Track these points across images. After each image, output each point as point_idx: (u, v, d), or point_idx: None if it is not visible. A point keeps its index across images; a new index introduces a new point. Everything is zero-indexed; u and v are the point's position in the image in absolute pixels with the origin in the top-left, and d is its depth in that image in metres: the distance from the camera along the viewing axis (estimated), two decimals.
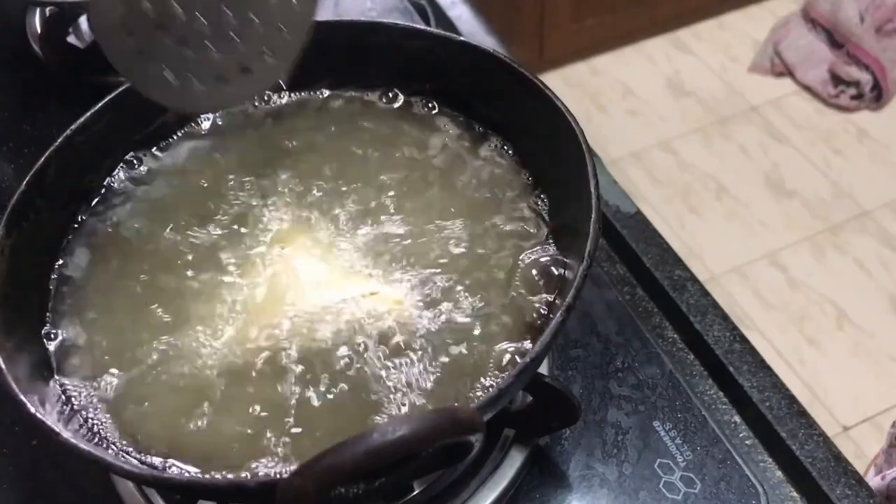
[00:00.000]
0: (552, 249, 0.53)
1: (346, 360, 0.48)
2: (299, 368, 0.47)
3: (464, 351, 0.48)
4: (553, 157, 0.54)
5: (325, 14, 0.89)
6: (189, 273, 0.52)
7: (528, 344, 0.48)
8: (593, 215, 0.47)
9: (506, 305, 0.50)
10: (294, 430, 0.45)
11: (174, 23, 0.50)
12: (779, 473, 0.58)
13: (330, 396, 0.46)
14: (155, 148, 0.60)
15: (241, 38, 0.52)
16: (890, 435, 0.85)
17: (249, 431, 0.45)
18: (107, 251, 0.54)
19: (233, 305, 0.51)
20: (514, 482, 0.55)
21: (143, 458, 0.45)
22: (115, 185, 0.58)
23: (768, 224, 1.88)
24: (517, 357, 0.47)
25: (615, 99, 2.17)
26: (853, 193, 1.92)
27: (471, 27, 0.91)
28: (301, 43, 0.53)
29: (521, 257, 0.52)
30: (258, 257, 0.53)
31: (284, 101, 0.62)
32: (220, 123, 0.61)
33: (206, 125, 0.61)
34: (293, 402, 0.46)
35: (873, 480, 0.77)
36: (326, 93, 0.63)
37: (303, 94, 0.62)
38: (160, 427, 0.46)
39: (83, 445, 0.40)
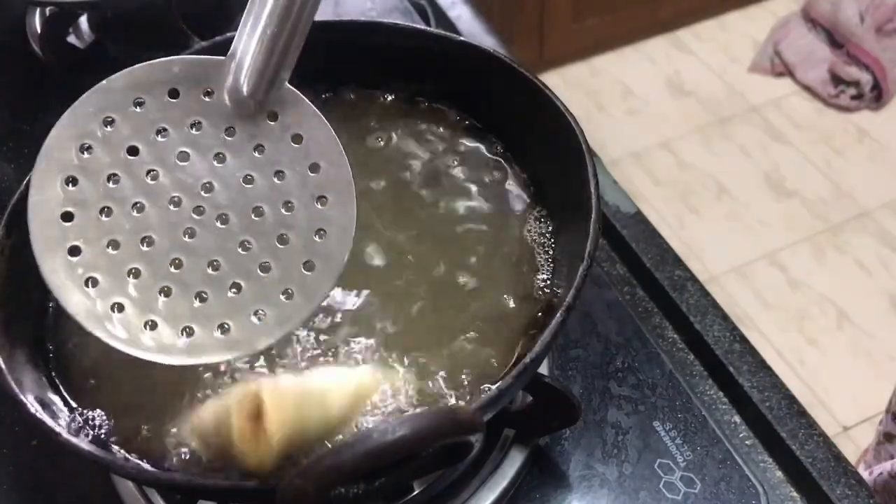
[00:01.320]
0: (552, 249, 0.53)
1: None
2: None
3: (463, 348, 0.48)
4: (553, 157, 0.54)
5: (325, 14, 0.89)
6: None
7: (527, 344, 0.48)
8: (593, 215, 0.47)
9: (505, 304, 0.50)
10: None
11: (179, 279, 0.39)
12: (779, 473, 0.58)
13: None
14: None
15: (272, 264, 0.40)
16: (878, 432, 0.85)
17: None
18: None
19: None
20: (514, 482, 0.55)
21: (143, 457, 0.45)
22: None
23: (768, 224, 1.88)
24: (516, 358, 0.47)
25: (615, 99, 2.17)
26: (853, 193, 1.92)
27: (471, 27, 0.91)
28: (325, 294, 0.40)
29: (520, 257, 0.52)
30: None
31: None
32: None
33: None
34: None
35: (862, 475, 0.77)
36: (326, 93, 0.63)
37: (302, 93, 0.62)
38: (160, 426, 0.46)
39: (83, 445, 0.40)
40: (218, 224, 0.40)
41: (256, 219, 0.40)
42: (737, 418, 0.61)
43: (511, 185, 0.57)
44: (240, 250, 0.40)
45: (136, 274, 0.40)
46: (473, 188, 0.57)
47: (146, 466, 0.44)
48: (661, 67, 2.24)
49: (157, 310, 0.40)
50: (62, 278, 0.40)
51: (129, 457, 0.45)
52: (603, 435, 0.58)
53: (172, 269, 0.40)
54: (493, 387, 0.44)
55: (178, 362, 0.40)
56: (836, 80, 2.10)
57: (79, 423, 0.46)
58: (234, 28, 0.42)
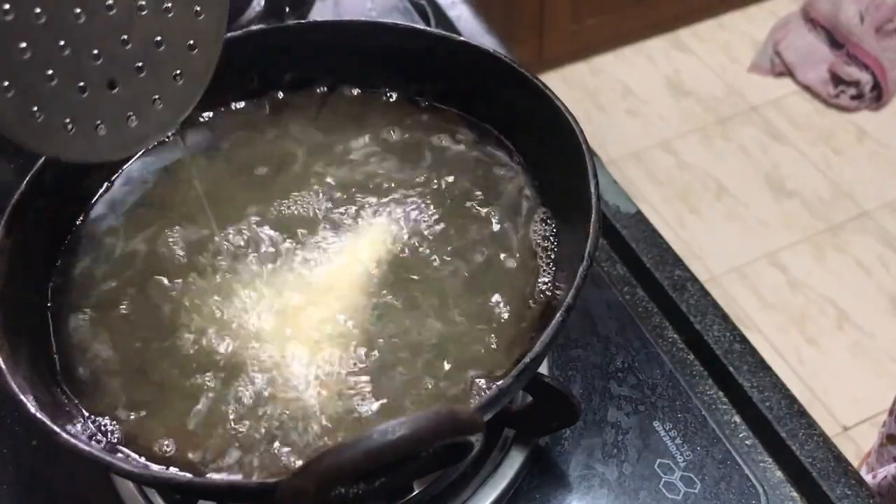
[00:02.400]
0: (552, 249, 0.53)
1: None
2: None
3: (464, 348, 0.48)
4: (553, 157, 0.54)
5: (325, 14, 0.89)
6: (189, 274, 0.52)
7: (527, 344, 0.48)
8: (593, 215, 0.47)
9: (505, 304, 0.50)
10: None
11: (56, 62, 0.41)
12: (779, 473, 0.58)
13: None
14: (155, 147, 0.60)
15: (146, 67, 0.44)
16: (881, 434, 0.85)
17: (243, 430, 0.45)
18: (107, 251, 0.54)
19: (232, 307, 0.51)
20: (514, 482, 0.55)
21: (142, 457, 0.45)
22: (116, 185, 0.58)
23: (768, 224, 1.88)
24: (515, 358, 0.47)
25: (615, 99, 2.17)
26: (853, 193, 1.92)
27: (471, 27, 0.91)
28: (215, 58, 0.46)
29: (520, 257, 0.52)
30: (255, 260, 0.53)
31: (285, 101, 0.62)
32: (218, 123, 0.61)
33: (205, 125, 0.61)
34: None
35: (865, 478, 0.77)
36: (326, 93, 0.63)
37: (303, 93, 0.62)
38: (160, 425, 0.46)
39: (83, 445, 0.40)
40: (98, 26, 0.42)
41: (136, 17, 0.43)
42: (737, 418, 0.61)
43: (511, 185, 0.57)
44: (122, 46, 0.43)
45: (82, 90, 0.42)
46: (473, 188, 0.57)
47: (146, 466, 0.44)
48: (661, 67, 2.24)
49: (105, 110, 0.43)
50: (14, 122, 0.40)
51: (130, 457, 0.45)
52: (603, 435, 0.58)
53: (86, 68, 0.42)
54: (493, 387, 0.44)
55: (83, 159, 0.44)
56: (836, 80, 2.10)
57: (79, 422, 0.46)
58: None
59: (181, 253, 0.54)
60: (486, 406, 0.41)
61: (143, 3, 0.43)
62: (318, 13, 0.88)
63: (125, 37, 0.43)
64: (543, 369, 0.60)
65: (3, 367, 0.42)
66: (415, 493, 0.52)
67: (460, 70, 0.58)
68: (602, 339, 0.63)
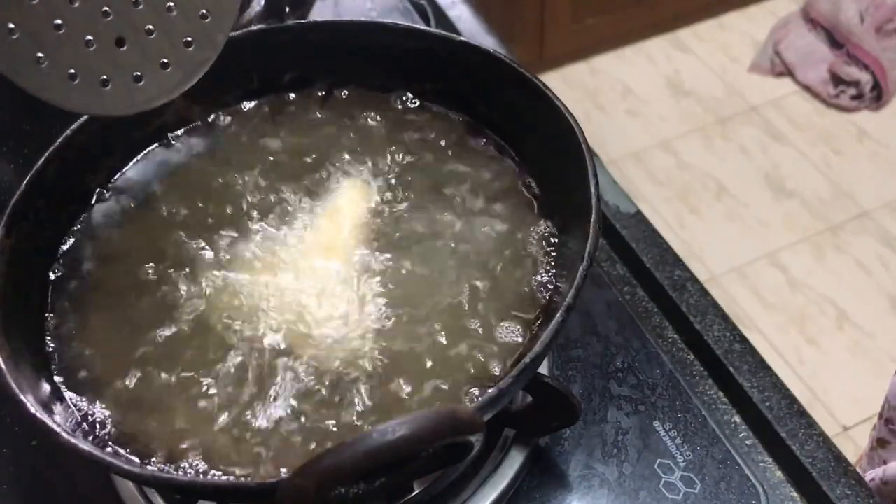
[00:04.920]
0: (552, 249, 0.53)
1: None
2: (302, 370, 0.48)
3: (464, 350, 0.48)
4: (553, 157, 0.54)
5: (325, 14, 0.89)
6: (188, 271, 0.52)
7: (527, 344, 0.48)
8: (593, 215, 0.47)
9: (505, 304, 0.50)
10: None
11: (65, 13, 0.43)
12: (779, 473, 0.58)
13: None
14: (156, 147, 0.60)
15: (156, 30, 0.46)
16: (871, 437, 0.85)
17: (236, 433, 0.45)
18: (107, 251, 0.54)
19: (232, 307, 0.51)
20: (514, 482, 0.55)
21: (142, 457, 0.45)
22: (116, 185, 0.58)
23: (768, 224, 1.88)
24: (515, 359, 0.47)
25: (615, 99, 2.17)
26: (853, 193, 1.92)
27: (471, 27, 0.91)
28: (228, 29, 0.47)
29: (520, 257, 0.52)
30: (255, 259, 0.53)
31: (285, 100, 0.62)
32: (219, 123, 0.61)
33: (206, 125, 0.61)
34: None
35: None
36: (326, 93, 0.63)
37: (303, 94, 0.62)
38: (159, 426, 0.46)
39: (83, 445, 0.40)
40: None
41: None
42: (737, 418, 0.61)
43: (511, 185, 0.57)
44: (133, 6, 0.45)
45: (89, 44, 0.44)
46: (473, 188, 0.57)
47: (146, 466, 0.44)
48: (661, 67, 2.24)
49: (103, 66, 0.44)
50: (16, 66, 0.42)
51: (130, 457, 0.45)
52: (603, 435, 0.58)
53: (95, 26, 0.44)
54: (493, 387, 0.44)
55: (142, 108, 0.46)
56: (836, 80, 2.10)
57: (79, 422, 0.46)
58: None
59: (182, 253, 0.54)
60: (486, 406, 0.41)
61: None
62: (318, 13, 0.88)
63: None
64: (543, 369, 0.60)
65: (3, 367, 0.42)
66: (415, 493, 0.52)
67: (460, 70, 0.58)
68: (602, 339, 0.63)
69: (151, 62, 0.46)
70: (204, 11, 0.47)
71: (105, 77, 0.45)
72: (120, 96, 0.46)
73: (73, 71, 0.44)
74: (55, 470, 0.59)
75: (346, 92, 0.63)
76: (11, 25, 0.41)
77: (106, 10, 0.44)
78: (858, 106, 2.08)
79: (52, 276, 0.53)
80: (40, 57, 0.43)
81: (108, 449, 0.45)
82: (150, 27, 0.45)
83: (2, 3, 0.41)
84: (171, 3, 0.45)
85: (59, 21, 0.43)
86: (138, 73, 0.46)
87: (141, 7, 0.45)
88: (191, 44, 0.47)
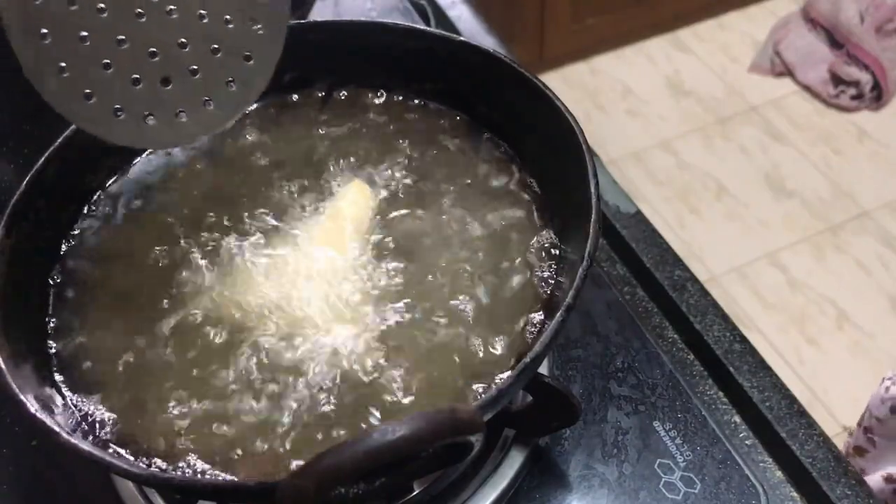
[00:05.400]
0: (552, 249, 0.53)
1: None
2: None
3: (465, 349, 0.48)
4: (553, 157, 0.54)
5: (325, 14, 0.89)
6: (188, 272, 0.52)
7: (527, 343, 0.48)
8: (593, 215, 0.47)
9: (505, 304, 0.50)
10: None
11: (114, 54, 0.46)
12: (779, 473, 0.58)
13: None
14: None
15: (200, 71, 0.48)
16: (847, 444, 0.85)
17: (236, 433, 0.45)
18: (107, 251, 0.54)
19: (234, 306, 0.51)
20: (514, 482, 0.55)
21: (142, 457, 0.45)
22: (116, 184, 0.58)
23: (768, 224, 1.88)
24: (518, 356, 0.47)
25: (615, 99, 2.17)
26: (853, 193, 1.92)
27: (471, 27, 0.91)
28: (268, 74, 0.49)
29: (520, 257, 0.52)
30: (256, 259, 0.53)
31: (285, 101, 0.62)
32: None
33: None
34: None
35: None
36: (326, 93, 0.63)
37: (303, 94, 0.62)
38: (159, 425, 0.46)
39: (83, 445, 0.40)
40: (158, 28, 0.47)
41: (193, 24, 0.47)
42: (737, 418, 0.61)
43: (511, 185, 0.57)
44: (179, 48, 0.47)
45: (115, 74, 0.46)
46: (473, 188, 0.57)
47: (146, 466, 0.44)
48: (661, 67, 2.24)
49: (147, 102, 0.47)
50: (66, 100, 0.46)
51: (130, 457, 0.45)
52: (603, 435, 0.58)
53: (139, 62, 0.47)
54: (493, 387, 0.44)
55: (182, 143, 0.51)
56: (836, 80, 2.10)
57: (79, 422, 0.46)
58: None
59: (182, 253, 0.54)
60: (486, 406, 0.41)
61: (204, 11, 0.46)
62: (318, 13, 0.88)
63: (183, 40, 0.47)
64: (543, 369, 0.60)
65: (3, 367, 0.42)
66: (415, 493, 0.52)
67: (460, 70, 0.58)
68: (602, 339, 0.63)
69: (195, 100, 0.48)
70: (247, 54, 0.49)
71: (148, 113, 0.48)
72: (162, 131, 0.48)
73: (118, 107, 0.47)
74: (55, 470, 0.59)
75: (346, 92, 0.63)
76: (62, 64, 0.45)
77: (153, 51, 0.47)
78: (858, 106, 2.08)
79: (52, 276, 0.53)
80: (89, 93, 0.46)
81: (109, 449, 0.45)
82: (195, 67, 0.48)
83: (56, 43, 0.44)
84: (216, 46, 0.48)
85: (108, 61, 0.46)
86: (181, 110, 0.48)
87: (188, 49, 0.47)
88: (233, 83, 0.49)
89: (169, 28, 0.46)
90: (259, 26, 0.48)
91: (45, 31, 0.44)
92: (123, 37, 0.46)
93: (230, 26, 0.48)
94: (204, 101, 0.48)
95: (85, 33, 0.44)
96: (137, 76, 0.47)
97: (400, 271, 0.52)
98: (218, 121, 0.50)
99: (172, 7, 0.46)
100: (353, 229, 0.54)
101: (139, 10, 0.45)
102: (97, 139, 0.55)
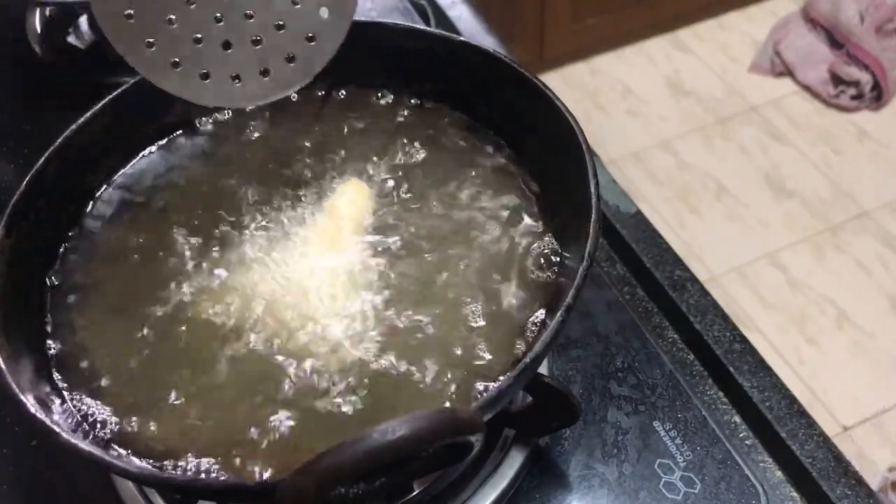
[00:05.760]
0: (552, 249, 0.53)
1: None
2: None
3: (464, 349, 0.48)
4: (553, 157, 0.54)
5: None
6: (188, 272, 0.52)
7: (527, 344, 0.48)
8: (593, 215, 0.47)
9: (505, 304, 0.50)
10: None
11: (201, 30, 0.50)
12: (779, 473, 0.58)
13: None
14: (156, 147, 0.60)
15: (265, 39, 0.52)
16: (884, 479, 0.83)
17: (236, 433, 0.45)
18: (107, 251, 0.54)
19: (233, 306, 0.51)
20: (514, 482, 0.55)
21: (142, 457, 0.45)
22: (116, 184, 0.58)
23: (768, 224, 1.88)
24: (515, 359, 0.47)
25: (615, 99, 2.17)
26: (853, 193, 1.92)
27: (471, 27, 0.91)
28: (325, 61, 0.53)
29: (520, 257, 0.52)
30: (255, 259, 0.53)
31: (285, 100, 0.62)
32: (219, 122, 0.61)
33: (206, 126, 0.61)
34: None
35: None
36: (326, 93, 0.63)
37: (303, 93, 0.62)
38: (159, 425, 0.46)
39: (83, 445, 0.40)
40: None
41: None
42: (737, 418, 0.61)
43: (511, 185, 0.57)
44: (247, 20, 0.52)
45: (198, 42, 0.51)
46: (473, 188, 0.57)
47: (146, 466, 0.44)
48: (661, 67, 2.24)
49: (231, 65, 0.52)
50: (157, 71, 0.51)
51: (130, 457, 0.45)
52: (603, 435, 0.58)
53: (220, 28, 0.52)
54: (493, 387, 0.44)
55: (238, 104, 0.54)
56: (836, 80, 2.10)
57: (79, 422, 0.46)
58: None
59: (182, 252, 0.54)
60: (486, 406, 0.41)
61: None
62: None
63: (250, 12, 0.52)
64: (543, 369, 0.60)
65: (3, 367, 0.42)
66: (415, 493, 0.52)
67: (460, 70, 0.58)
68: (602, 339, 0.63)
69: (251, 69, 0.53)
70: (311, 35, 0.53)
71: (206, 71, 0.52)
72: (219, 91, 0.53)
73: (176, 59, 0.51)
74: (55, 470, 0.59)
75: (346, 92, 0.63)
76: (151, 40, 0.50)
77: (218, 17, 0.51)
78: (858, 106, 2.08)
79: (51, 276, 0.53)
80: (150, 42, 0.50)
81: (109, 449, 0.45)
82: (258, 37, 0.52)
83: (148, 22, 0.50)
84: (282, 22, 0.52)
85: (200, 35, 0.51)
86: (236, 74, 0.53)
87: (253, 21, 0.52)
88: (293, 60, 0.53)
89: (242, 4, 0.51)
90: (326, 12, 0.52)
91: None
92: (207, 17, 0.51)
93: (297, 6, 0.52)
94: (262, 71, 0.53)
95: (173, 16, 0.50)
96: (200, 35, 0.51)
97: (398, 270, 0.52)
98: (268, 91, 0.54)
99: None
100: (350, 228, 0.54)
101: None
102: (96, 139, 0.55)
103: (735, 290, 1.75)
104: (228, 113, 0.62)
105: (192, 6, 0.50)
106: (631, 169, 1.99)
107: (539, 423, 0.54)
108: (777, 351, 1.65)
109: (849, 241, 1.84)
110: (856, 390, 1.60)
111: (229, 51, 0.52)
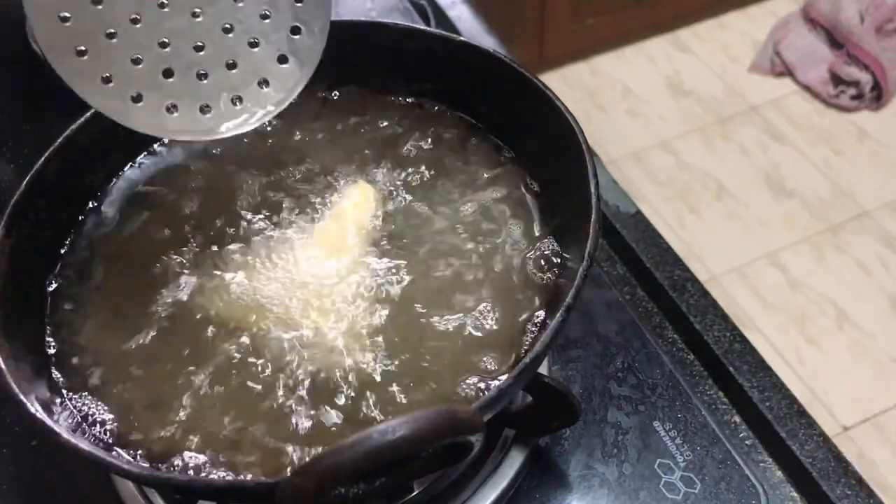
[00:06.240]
0: (552, 249, 0.53)
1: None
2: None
3: (466, 350, 0.48)
4: (553, 157, 0.54)
5: None
6: (188, 272, 0.52)
7: (528, 343, 0.48)
8: (593, 215, 0.47)
9: (505, 304, 0.50)
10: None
11: (152, 48, 0.46)
12: (779, 473, 0.58)
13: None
14: (156, 147, 0.60)
15: (238, 66, 0.48)
16: None
17: (236, 433, 0.45)
18: (107, 251, 0.54)
19: (235, 307, 0.51)
20: (514, 482, 0.55)
21: (142, 457, 0.45)
22: (116, 184, 0.58)
23: (768, 224, 1.88)
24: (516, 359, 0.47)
25: (615, 99, 2.17)
26: (853, 193, 1.92)
27: (471, 27, 0.91)
28: (305, 79, 0.50)
29: (520, 257, 0.52)
30: (257, 261, 0.53)
31: None
32: None
33: None
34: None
35: None
36: (326, 93, 0.63)
37: (303, 94, 0.62)
38: (159, 425, 0.46)
39: (83, 445, 0.40)
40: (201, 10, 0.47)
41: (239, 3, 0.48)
42: (737, 418, 0.61)
43: (511, 185, 0.57)
44: (224, 34, 0.48)
45: (137, 62, 0.47)
46: (473, 188, 0.57)
47: (146, 466, 0.44)
48: (661, 67, 2.24)
49: (170, 93, 0.47)
50: (82, 81, 0.46)
51: (130, 457, 0.45)
52: (603, 435, 0.58)
53: (166, 52, 0.47)
54: (493, 386, 0.44)
55: (202, 138, 0.49)
56: (836, 80, 2.10)
57: (79, 422, 0.46)
58: None
59: (182, 253, 0.54)
60: (486, 406, 0.41)
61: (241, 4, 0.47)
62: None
63: (228, 25, 0.48)
64: (543, 369, 0.60)
65: (3, 367, 0.42)
66: (415, 493, 0.52)
67: (460, 70, 0.58)
68: (602, 339, 0.63)
69: (225, 94, 0.49)
70: (284, 55, 0.49)
71: (172, 104, 0.48)
72: (181, 123, 0.49)
73: (137, 94, 0.47)
74: (55, 470, 0.59)
75: (346, 92, 0.63)
76: (82, 47, 0.46)
77: (199, 44, 0.48)
78: (858, 106, 2.08)
79: (51, 276, 0.53)
80: (108, 78, 0.47)
81: (109, 449, 0.45)
82: (231, 61, 0.48)
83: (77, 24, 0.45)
84: (254, 39, 0.49)
85: (139, 56, 0.47)
86: (206, 104, 0.49)
87: (230, 36, 0.48)
88: (265, 84, 0.50)
89: (200, 28, 0.47)
90: (299, 29, 0.49)
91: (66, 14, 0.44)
92: (155, 36, 0.46)
93: (267, 21, 0.49)
94: (233, 99, 0.49)
95: (112, 30, 0.45)
96: (168, 68, 0.47)
97: (401, 272, 0.52)
98: (243, 121, 0.50)
99: (197, 10, 0.47)
100: (355, 231, 0.54)
101: (165, 9, 0.46)
102: (96, 139, 0.55)
103: (735, 290, 1.75)
104: None
105: (138, 26, 0.46)
106: (631, 169, 1.99)
107: (539, 423, 0.54)
108: (777, 351, 1.65)
109: (849, 241, 1.84)
110: (856, 390, 1.59)
111: (205, 81, 0.48)
